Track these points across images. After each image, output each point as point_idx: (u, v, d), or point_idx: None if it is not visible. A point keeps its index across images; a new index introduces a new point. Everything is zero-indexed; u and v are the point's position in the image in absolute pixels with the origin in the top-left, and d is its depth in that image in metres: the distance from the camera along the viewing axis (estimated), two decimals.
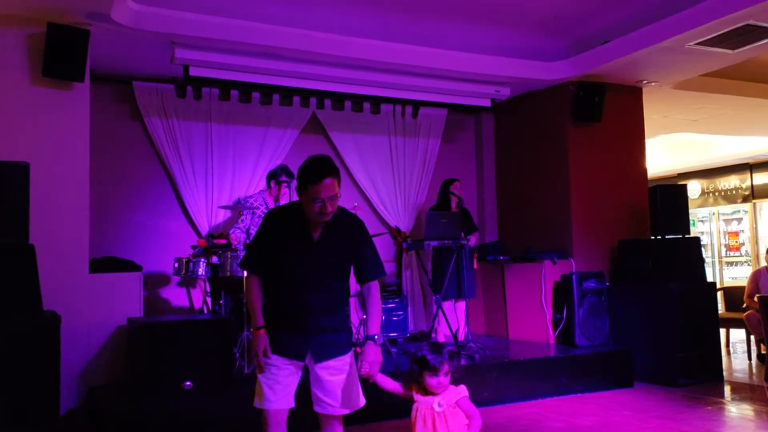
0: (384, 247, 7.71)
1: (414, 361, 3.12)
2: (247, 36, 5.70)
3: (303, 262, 3.08)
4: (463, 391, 3.12)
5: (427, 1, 5.75)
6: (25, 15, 5.02)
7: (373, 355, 3.03)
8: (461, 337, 6.50)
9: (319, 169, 2.98)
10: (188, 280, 6.64)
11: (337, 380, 3.09)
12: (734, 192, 12.87)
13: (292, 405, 3.13)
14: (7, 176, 4.28)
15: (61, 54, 4.99)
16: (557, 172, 7.33)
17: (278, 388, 3.07)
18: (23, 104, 5.08)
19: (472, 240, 6.93)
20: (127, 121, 6.60)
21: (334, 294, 3.13)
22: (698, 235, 12.44)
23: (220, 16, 5.57)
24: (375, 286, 3.20)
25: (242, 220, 6.16)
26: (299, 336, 3.08)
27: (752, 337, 7.62)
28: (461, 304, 6.78)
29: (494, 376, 5.72)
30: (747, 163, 12.51)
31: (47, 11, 4.95)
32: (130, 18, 5.22)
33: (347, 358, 3.13)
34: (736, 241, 13.05)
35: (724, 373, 6.67)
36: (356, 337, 6.16)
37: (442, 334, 6.77)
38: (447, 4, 5.80)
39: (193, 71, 5.89)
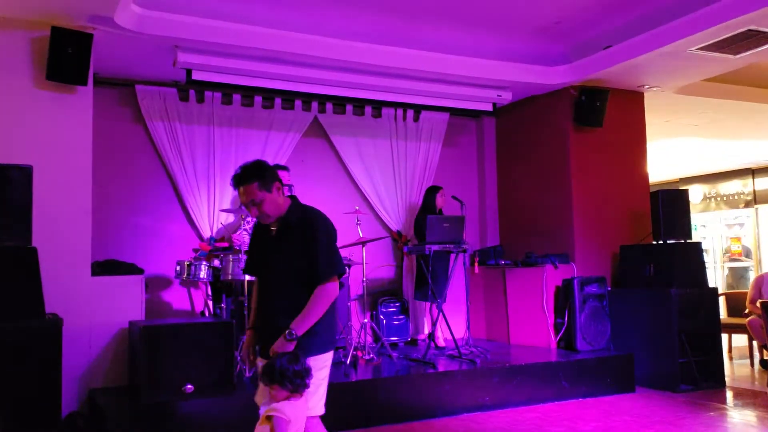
0: (385, 251, 7.72)
1: None
2: (250, 40, 5.72)
3: (266, 261, 3.21)
4: (278, 407, 2.90)
5: (429, 6, 5.76)
6: (29, 19, 5.04)
7: (277, 343, 2.99)
8: (460, 341, 6.49)
9: (234, 177, 3.09)
10: (190, 283, 6.65)
11: None
12: (736, 197, 12.86)
13: None
14: (11, 179, 4.31)
15: (65, 57, 5.01)
16: (559, 177, 7.34)
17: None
18: (27, 107, 5.10)
19: None
20: (129, 124, 6.62)
21: (297, 295, 3.07)
22: (700, 240, 12.43)
23: (223, 20, 5.59)
24: (319, 291, 3.03)
25: (247, 222, 6.18)
26: (268, 336, 3.11)
27: (755, 343, 7.60)
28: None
29: (495, 381, 5.71)
30: (749, 168, 12.51)
31: (51, 15, 4.97)
32: (133, 22, 5.24)
33: (313, 361, 3.04)
34: (739, 246, 13.03)
35: (727, 379, 6.65)
36: (357, 340, 6.16)
37: (441, 338, 6.78)
38: (449, 8, 5.82)
39: (196, 75, 5.92)
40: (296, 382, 2.91)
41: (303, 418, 2.96)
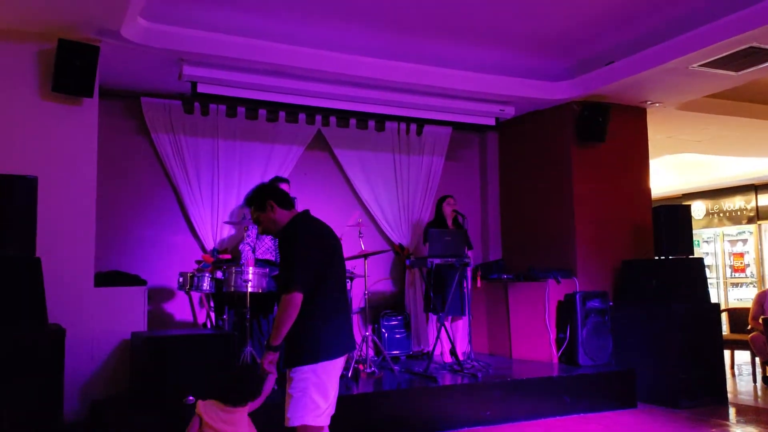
0: (387, 265, 7.72)
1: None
2: (255, 54, 5.76)
3: None
4: (199, 403, 3.42)
5: (432, 21, 5.81)
6: (36, 31, 5.09)
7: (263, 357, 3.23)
8: (462, 356, 6.48)
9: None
10: (192, 295, 6.66)
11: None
12: (739, 213, 12.86)
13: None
14: (16, 189, 4.33)
15: (71, 69, 5.05)
16: (561, 192, 7.35)
17: None
18: (33, 119, 5.13)
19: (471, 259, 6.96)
20: (134, 136, 6.66)
21: None
22: (703, 256, 12.42)
23: (228, 34, 5.64)
24: (282, 301, 3.14)
25: (248, 236, 6.20)
26: None
27: (757, 359, 7.58)
28: (460, 322, 6.78)
29: (497, 396, 5.70)
30: (752, 184, 12.51)
31: (58, 27, 5.02)
32: (139, 35, 5.28)
33: (291, 372, 3.17)
34: (741, 263, 13.01)
35: (729, 396, 6.63)
36: (359, 354, 6.15)
37: (448, 354, 6.73)
38: (452, 24, 5.86)
39: (201, 88, 5.95)
40: (226, 392, 3.39)
41: (220, 423, 3.30)
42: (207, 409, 3.33)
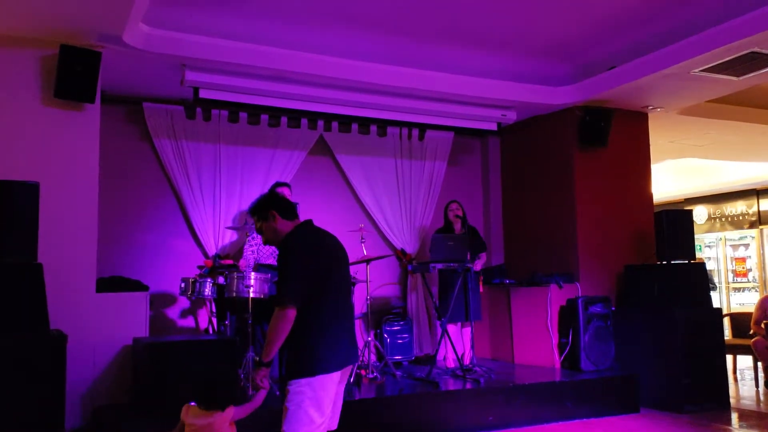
0: (389, 270, 7.72)
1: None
2: (257, 59, 5.77)
3: None
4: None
5: (435, 26, 5.82)
6: (38, 37, 5.10)
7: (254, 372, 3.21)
8: (467, 361, 6.48)
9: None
10: (194, 301, 6.66)
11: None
12: (741, 218, 12.85)
13: None
14: (18, 195, 4.34)
15: (73, 75, 5.05)
16: (563, 196, 7.35)
17: None
18: (35, 125, 5.14)
19: (482, 259, 6.94)
20: (136, 141, 6.67)
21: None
22: (705, 260, 12.41)
23: (231, 39, 5.65)
24: (274, 316, 3.08)
25: (252, 238, 6.20)
26: None
27: (760, 364, 7.56)
28: (468, 328, 6.76)
29: (499, 401, 5.69)
30: (754, 189, 12.51)
31: (60, 33, 5.03)
32: (141, 40, 5.29)
33: (288, 385, 3.11)
34: (743, 267, 13.00)
35: (732, 400, 6.61)
36: (361, 359, 6.14)
37: (451, 360, 6.71)
38: (454, 28, 5.87)
39: (203, 93, 5.96)
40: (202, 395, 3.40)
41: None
42: (190, 414, 3.32)
